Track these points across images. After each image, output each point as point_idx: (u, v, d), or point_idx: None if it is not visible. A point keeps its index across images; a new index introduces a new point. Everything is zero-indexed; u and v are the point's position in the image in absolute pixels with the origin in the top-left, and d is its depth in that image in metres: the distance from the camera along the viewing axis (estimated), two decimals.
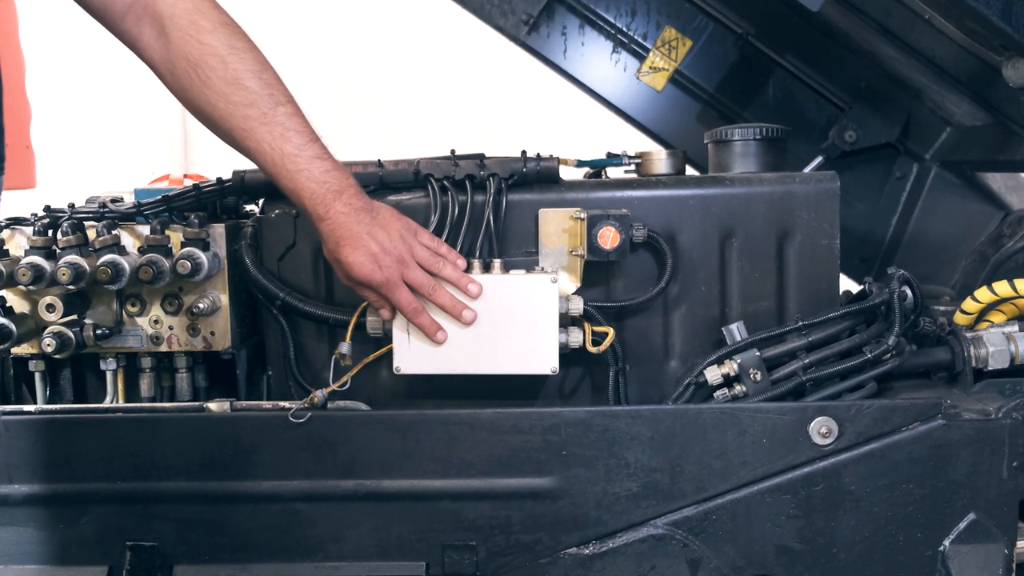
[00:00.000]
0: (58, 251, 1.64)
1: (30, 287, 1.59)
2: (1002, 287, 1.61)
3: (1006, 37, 1.48)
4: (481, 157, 1.68)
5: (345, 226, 1.45)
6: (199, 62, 1.40)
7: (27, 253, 1.64)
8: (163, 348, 1.71)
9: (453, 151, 1.70)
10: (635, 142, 2.28)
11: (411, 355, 1.55)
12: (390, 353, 1.57)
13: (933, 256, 2.29)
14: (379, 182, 1.68)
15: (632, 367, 1.69)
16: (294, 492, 1.53)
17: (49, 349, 1.63)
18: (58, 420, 1.57)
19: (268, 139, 1.42)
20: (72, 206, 1.72)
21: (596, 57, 2.45)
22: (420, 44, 7.15)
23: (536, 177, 1.68)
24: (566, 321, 1.59)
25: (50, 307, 1.63)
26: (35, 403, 1.76)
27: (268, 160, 1.43)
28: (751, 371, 1.56)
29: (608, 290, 1.68)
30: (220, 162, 2.01)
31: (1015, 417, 1.47)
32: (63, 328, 1.64)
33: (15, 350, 1.71)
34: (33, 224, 1.68)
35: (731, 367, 1.57)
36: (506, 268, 1.59)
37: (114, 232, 1.67)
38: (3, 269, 1.61)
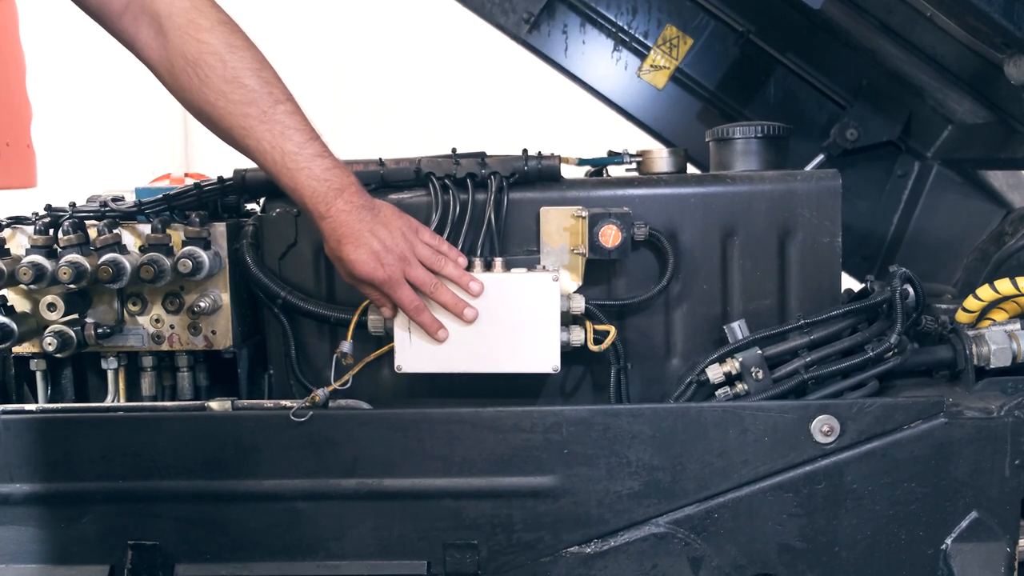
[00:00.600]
0: (59, 250, 1.64)
1: (31, 286, 1.59)
2: (1004, 285, 1.60)
3: (1008, 34, 1.47)
4: (482, 155, 1.68)
5: (347, 224, 1.45)
6: (197, 60, 1.39)
7: (28, 252, 1.64)
8: (164, 347, 1.71)
9: (454, 150, 1.70)
10: (636, 140, 2.29)
11: (412, 354, 1.55)
12: (391, 352, 1.57)
13: (935, 254, 2.29)
14: (380, 180, 1.68)
15: (634, 365, 1.69)
16: (295, 491, 1.53)
17: (50, 348, 1.63)
18: (59, 419, 1.57)
19: (268, 137, 1.41)
20: (73, 205, 1.72)
21: (597, 55, 2.45)
22: (420, 43, 7.15)
23: (537, 175, 1.68)
24: (567, 319, 1.59)
25: (51, 306, 1.63)
26: (36, 402, 1.76)
27: (268, 159, 1.43)
28: (753, 369, 1.56)
29: (609, 288, 1.68)
30: (221, 161, 2.01)
31: (1017, 415, 1.46)
32: (64, 327, 1.64)
33: (16, 349, 1.71)
34: (34, 223, 1.68)
35: (733, 365, 1.57)
36: (507, 266, 1.59)
37: (115, 231, 1.67)
38: (4, 268, 1.61)
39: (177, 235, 1.67)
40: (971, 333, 1.59)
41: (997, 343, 1.55)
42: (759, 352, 1.57)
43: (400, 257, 1.47)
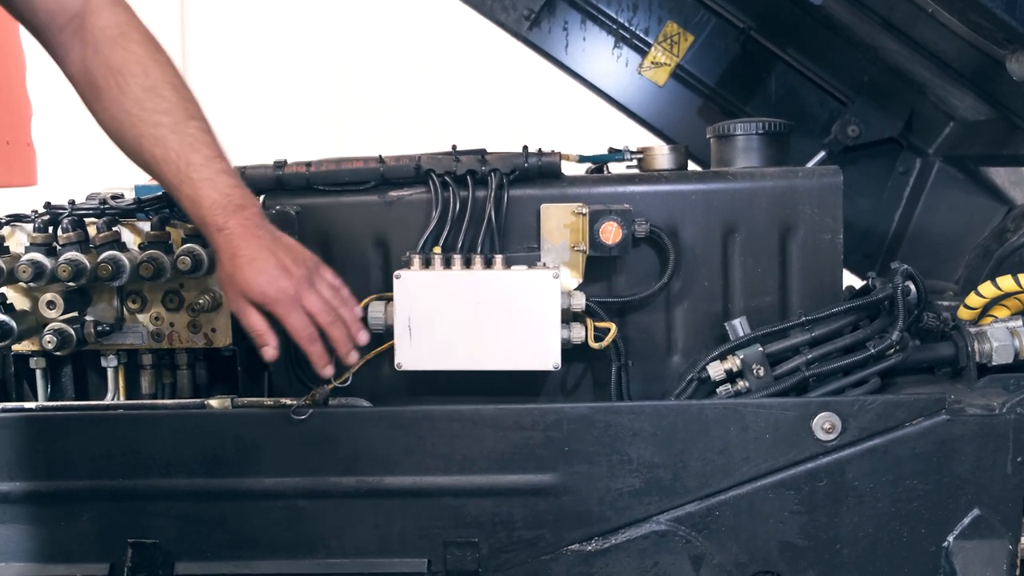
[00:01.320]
0: (58, 248, 1.64)
1: (31, 284, 1.59)
2: (1006, 282, 1.60)
3: (1010, 30, 1.47)
4: (483, 153, 1.68)
5: (243, 238, 1.36)
6: (121, 69, 1.38)
7: (27, 250, 1.63)
8: (164, 345, 1.71)
9: (454, 146, 1.70)
10: (637, 137, 2.28)
11: (413, 351, 1.55)
12: (391, 349, 1.57)
13: (936, 251, 2.29)
14: (380, 178, 1.67)
15: (634, 363, 1.68)
16: (296, 489, 1.53)
17: (50, 346, 1.62)
18: (59, 417, 1.57)
19: (176, 147, 1.37)
20: (73, 202, 1.72)
21: (598, 52, 2.44)
22: (421, 41, 7.14)
23: (538, 172, 1.67)
24: (568, 317, 1.59)
25: (51, 304, 1.63)
26: (36, 400, 1.76)
27: (172, 168, 1.38)
28: (754, 366, 1.55)
29: (610, 285, 1.68)
30: None
31: (1019, 412, 1.46)
32: (64, 325, 1.64)
33: (16, 347, 1.71)
34: (33, 221, 1.68)
35: (734, 362, 1.56)
36: (508, 264, 1.59)
37: (115, 228, 1.67)
38: (3, 266, 1.61)
39: (177, 233, 1.67)
40: (973, 330, 1.58)
41: (999, 340, 1.55)
42: (760, 349, 1.56)
43: (300, 280, 1.39)
